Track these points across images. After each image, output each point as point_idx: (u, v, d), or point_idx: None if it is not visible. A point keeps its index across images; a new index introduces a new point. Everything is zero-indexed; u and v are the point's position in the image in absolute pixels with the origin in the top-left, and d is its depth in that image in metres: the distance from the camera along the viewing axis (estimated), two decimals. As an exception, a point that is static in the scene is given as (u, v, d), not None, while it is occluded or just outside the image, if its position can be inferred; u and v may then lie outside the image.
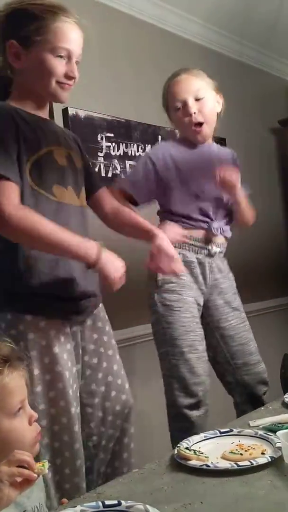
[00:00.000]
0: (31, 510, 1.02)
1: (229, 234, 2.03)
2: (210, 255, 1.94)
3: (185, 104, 1.91)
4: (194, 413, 1.85)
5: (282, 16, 3.24)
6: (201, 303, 1.95)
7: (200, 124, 1.92)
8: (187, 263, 1.89)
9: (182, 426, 1.83)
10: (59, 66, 1.47)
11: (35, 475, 0.93)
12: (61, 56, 1.47)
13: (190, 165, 1.93)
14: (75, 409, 1.47)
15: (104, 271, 1.44)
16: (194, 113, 1.90)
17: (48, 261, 1.45)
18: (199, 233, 1.93)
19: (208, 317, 1.97)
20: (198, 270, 1.93)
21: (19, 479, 0.92)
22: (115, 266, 1.45)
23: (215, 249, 1.95)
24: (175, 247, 1.83)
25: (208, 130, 1.96)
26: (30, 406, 1.06)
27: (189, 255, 1.91)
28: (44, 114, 1.57)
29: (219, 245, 1.97)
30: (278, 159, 3.79)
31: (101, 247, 1.44)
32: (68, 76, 1.49)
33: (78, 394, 1.52)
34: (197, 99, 1.91)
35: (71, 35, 1.48)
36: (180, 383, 1.85)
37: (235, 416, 1.97)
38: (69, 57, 1.48)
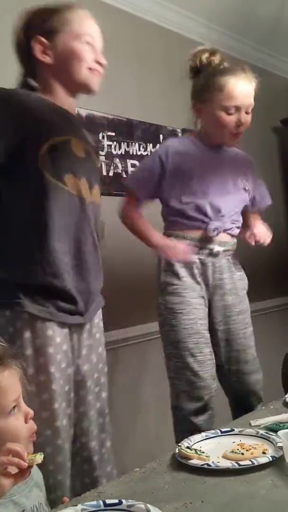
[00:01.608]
0: (30, 510, 1.02)
1: (235, 232, 1.99)
2: (212, 254, 1.91)
3: (238, 110, 1.85)
4: (199, 418, 1.83)
5: (284, 15, 3.24)
6: (205, 304, 1.92)
7: (239, 134, 1.92)
8: (188, 264, 1.88)
9: (187, 429, 1.79)
10: (88, 52, 1.50)
11: (25, 464, 0.93)
12: (87, 43, 1.50)
13: (205, 164, 1.91)
14: (59, 405, 1.40)
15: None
16: (243, 124, 1.88)
17: (51, 261, 1.42)
18: (197, 233, 1.90)
19: (210, 318, 1.95)
20: (198, 271, 1.89)
21: (13, 471, 0.92)
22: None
23: (217, 248, 1.91)
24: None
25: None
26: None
27: (193, 256, 1.88)
28: (70, 109, 1.58)
29: (223, 244, 1.93)
30: (280, 158, 3.78)
31: None
32: (98, 62, 1.52)
33: (71, 396, 1.48)
34: (247, 112, 1.89)
35: (91, 23, 1.53)
36: (185, 387, 1.84)
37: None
38: (93, 45, 1.52)
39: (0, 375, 1.00)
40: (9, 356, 1.04)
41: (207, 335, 1.89)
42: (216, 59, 1.89)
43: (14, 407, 1.01)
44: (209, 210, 1.89)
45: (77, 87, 1.55)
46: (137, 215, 1.94)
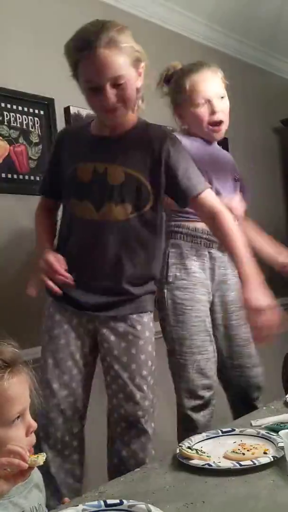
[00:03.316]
0: (29, 511, 1.01)
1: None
2: (221, 248, 1.89)
3: (209, 101, 1.89)
4: (199, 415, 1.82)
5: (285, 15, 3.24)
6: (210, 300, 1.91)
7: (220, 123, 1.93)
8: (200, 257, 1.87)
9: (187, 427, 1.80)
10: (93, 98, 1.55)
11: (25, 464, 0.91)
12: (93, 89, 1.53)
13: (205, 161, 1.89)
14: (50, 377, 1.60)
15: None
16: (218, 112, 1.90)
17: (71, 250, 1.63)
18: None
19: (212, 313, 1.93)
20: (208, 265, 1.89)
21: (12, 471, 0.90)
22: None
23: None
24: (185, 240, 1.86)
25: (224, 129, 1.96)
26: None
27: (202, 249, 1.87)
28: (110, 131, 1.64)
29: None
30: (280, 159, 3.78)
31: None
32: (106, 106, 1.54)
33: (77, 384, 1.62)
34: (222, 97, 1.92)
35: (96, 66, 1.49)
36: (187, 384, 1.83)
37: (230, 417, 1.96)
38: (98, 87, 1.52)
39: (7, 382, 0.95)
40: (19, 363, 0.99)
41: (211, 332, 1.89)
42: (182, 65, 1.97)
43: (18, 417, 0.96)
44: (224, 197, 1.90)
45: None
46: None
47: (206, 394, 1.83)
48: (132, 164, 1.60)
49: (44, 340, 1.65)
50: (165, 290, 1.86)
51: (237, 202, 1.94)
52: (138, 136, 1.64)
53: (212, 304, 1.93)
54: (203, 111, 1.90)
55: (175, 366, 1.86)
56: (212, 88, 1.91)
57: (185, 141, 1.83)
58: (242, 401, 1.95)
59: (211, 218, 1.65)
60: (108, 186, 1.60)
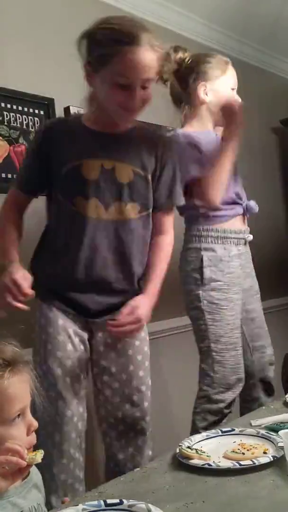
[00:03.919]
0: (28, 511, 1.01)
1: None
2: (245, 243, 1.99)
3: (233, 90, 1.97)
4: (230, 409, 1.89)
5: (284, 15, 3.24)
6: (241, 296, 1.96)
7: None
8: (232, 258, 1.92)
9: (214, 420, 1.85)
10: (120, 95, 1.48)
11: (24, 462, 0.91)
12: (122, 86, 1.47)
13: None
14: (61, 386, 1.54)
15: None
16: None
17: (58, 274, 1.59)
18: (239, 221, 1.95)
19: None
20: (238, 262, 1.94)
21: (11, 469, 0.90)
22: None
23: (249, 237, 1.99)
24: (217, 243, 1.90)
25: None
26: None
27: (233, 248, 1.93)
28: (114, 128, 1.59)
29: (248, 230, 2.01)
30: (280, 159, 3.78)
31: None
32: (133, 106, 1.51)
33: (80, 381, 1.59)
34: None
35: (135, 62, 1.45)
36: (224, 379, 1.88)
37: (238, 413, 1.97)
38: (130, 86, 1.47)
39: (8, 381, 0.94)
40: (21, 362, 0.98)
41: (241, 330, 1.96)
42: (182, 54, 1.95)
43: (18, 415, 0.96)
44: (241, 191, 1.97)
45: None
46: None
47: (240, 387, 1.90)
48: (140, 163, 1.60)
49: (47, 348, 1.57)
50: (200, 291, 1.90)
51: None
52: (141, 135, 1.64)
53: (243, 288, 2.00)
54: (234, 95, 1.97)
55: (210, 362, 1.89)
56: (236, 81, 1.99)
57: (202, 136, 1.88)
58: (262, 382, 2.03)
59: (157, 235, 1.68)
60: (118, 184, 1.58)
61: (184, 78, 1.94)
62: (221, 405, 1.87)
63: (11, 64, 2.16)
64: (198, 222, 1.93)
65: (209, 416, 1.88)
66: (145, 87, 1.49)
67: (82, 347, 1.60)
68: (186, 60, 1.93)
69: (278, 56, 3.68)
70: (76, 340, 1.59)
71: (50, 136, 1.62)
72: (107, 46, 1.45)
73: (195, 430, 1.83)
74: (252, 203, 2.00)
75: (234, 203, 1.95)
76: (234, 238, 1.93)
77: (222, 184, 1.82)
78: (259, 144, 3.50)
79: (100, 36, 1.47)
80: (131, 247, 1.59)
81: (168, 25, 2.92)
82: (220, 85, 1.94)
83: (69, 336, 1.58)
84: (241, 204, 1.97)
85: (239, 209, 1.96)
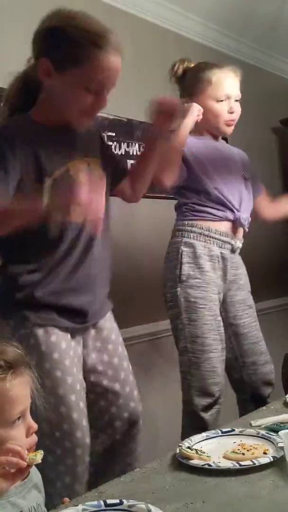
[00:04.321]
0: (27, 511, 1.01)
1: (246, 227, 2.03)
2: (233, 250, 1.95)
3: (228, 99, 1.95)
4: (208, 413, 1.85)
5: (284, 14, 3.23)
6: (221, 299, 1.94)
7: (232, 122, 1.99)
8: (212, 258, 1.89)
9: (195, 424, 1.82)
10: (86, 99, 1.41)
11: (24, 463, 0.91)
12: (89, 90, 1.40)
13: (216, 157, 1.96)
14: (78, 415, 1.44)
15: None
16: (234, 112, 1.97)
17: (54, 274, 1.46)
18: (226, 226, 1.93)
19: (224, 312, 1.96)
20: (220, 265, 1.92)
21: (12, 470, 0.91)
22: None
23: (238, 244, 1.96)
24: (198, 240, 1.87)
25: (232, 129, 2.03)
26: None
27: (214, 249, 1.90)
28: (66, 124, 1.49)
29: (241, 240, 1.98)
30: (279, 159, 3.78)
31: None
32: (95, 110, 1.47)
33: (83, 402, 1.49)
34: (236, 100, 1.98)
35: (109, 67, 1.39)
36: (199, 382, 1.85)
37: (237, 413, 1.97)
38: (99, 91, 1.42)
39: (10, 383, 0.95)
40: (22, 364, 0.99)
41: (223, 332, 1.91)
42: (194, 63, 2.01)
43: (18, 417, 0.96)
44: (236, 201, 1.95)
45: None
46: None
47: (217, 392, 1.86)
48: (98, 156, 1.58)
49: (55, 375, 1.44)
50: (178, 289, 1.87)
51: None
52: (88, 130, 1.58)
53: (223, 303, 1.96)
54: (223, 107, 1.95)
55: (187, 364, 1.88)
56: (234, 87, 1.97)
57: (193, 140, 1.90)
58: (254, 399, 1.98)
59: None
60: (100, 176, 1.55)
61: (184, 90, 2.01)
62: (199, 410, 1.84)
63: (11, 64, 2.16)
64: (184, 216, 1.93)
65: (189, 421, 1.87)
66: (108, 92, 1.44)
67: (79, 366, 1.53)
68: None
69: (277, 55, 3.68)
70: (75, 360, 1.51)
71: (27, 138, 1.44)
72: (81, 47, 1.35)
73: (183, 437, 1.82)
74: (245, 217, 1.96)
75: (224, 205, 1.92)
76: (217, 239, 1.90)
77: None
78: (259, 144, 3.49)
79: (73, 34, 1.36)
80: (106, 247, 1.58)
81: (166, 24, 2.92)
82: (210, 101, 1.95)
83: (72, 358, 1.49)
84: (233, 211, 1.94)
85: (229, 214, 1.93)
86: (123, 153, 2.61)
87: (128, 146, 2.63)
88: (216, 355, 1.86)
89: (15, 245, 1.46)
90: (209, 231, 1.89)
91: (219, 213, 1.91)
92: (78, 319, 1.52)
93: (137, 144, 2.68)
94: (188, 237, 1.89)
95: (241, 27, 3.24)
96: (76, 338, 1.53)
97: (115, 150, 2.57)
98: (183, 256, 1.88)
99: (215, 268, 1.90)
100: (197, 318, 1.85)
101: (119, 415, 1.59)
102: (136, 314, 2.51)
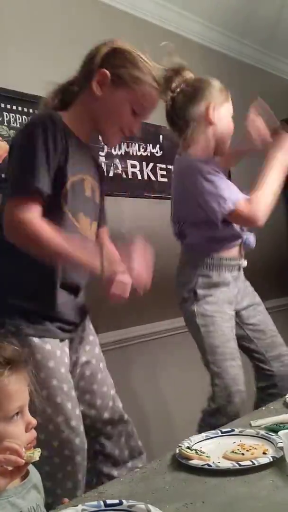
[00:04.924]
0: (27, 511, 1.01)
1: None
2: (239, 269, 2.00)
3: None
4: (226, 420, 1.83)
5: (284, 16, 3.24)
6: (234, 314, 1.98)
7: None
8: (225, 284, 1.92)
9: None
10: (129, 118, 1.56)
11: (22, 461, 0.92)
12: (133, 111, 1.56)
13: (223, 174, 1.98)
14: (76, 422, 1.47)
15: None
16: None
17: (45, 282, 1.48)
18: (234, 251, 1.96)
19: (237, 317, 2.00)
20: (232, 286, 1.95)
21: (10, 468, 0.91)
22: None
23: (244, 263, 2.01)
24: (213, 270, 1.90)
25: None
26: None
27: (227, 275, 1.93)
28: (86, 140, 1.61)
29: (245, 259, 2.02)
30: (279, 159, 3.78)
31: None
32: (130, 131, 1.59)
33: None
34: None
35: (154, 101, 1.59)
36: (223, 391, 1.86)
37: (251, 408, 1.96)
38: (140, 115, 1.58)
39: (7, 378, 0.96)
40: (20, 361, 1.00)
41: (237, 346, 1.94)
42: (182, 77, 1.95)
43: (17, 413, 0.97)
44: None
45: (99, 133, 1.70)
46: None
47: (241, 399, 1.86)
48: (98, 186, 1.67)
49: (52, 384, 1.45)
50: (195, 306, 1.91)
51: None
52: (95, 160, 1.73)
53: (237, 310, 2.00)
54: (226, 136, 2.00)
55: (211, 374, 1.89)
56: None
57: (203, 165, 1.87)
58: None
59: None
60: (95, 204, 1.63)
61: (190, 97, 1.92)
62: (224, 420, 1.81)
63: (11, 65, 2.17)
64: (202, 248, 1.93)
65: (212, 423, 1.84)
66: (143, 120, 1.61)
67: (69, 374, 1.54)
68: (190, 81, 1.94)
69: (278, 56, 3.68)
70: (68, 366, 1.53)
71: (65, 137, 1.48)
72: (144, 75, 1.54)
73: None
74: (251, 239, 1.99)
75: (234, 235, 1.95)
76: (227, 264, 1.93)
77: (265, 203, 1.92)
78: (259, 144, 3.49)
79: (141, 62, 1.55)
80: None
81: (168, 25, 2.93)
82: (224, 111, 1.96)
83: (66, 366, 1.51)
84: (241, 236, 1.97)
85: (238, 241, 1.97)
86: (123, 153, 2.61)
87: (128, 147, 2.64)
88: (238, 363, 1.88)
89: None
90: (220, 260, 1.92)
91: (230, 245, 1.95)
92: (68, 328, 1.56)
93: (137, 145, 2.68)
94: (202, 269, 1.91)
95: (242, 29, 3.25)
96: (65, 342, 1.55)
97: (115, 151, 2.58)
98: (197, 286, 1.90)
99: (229, 291, 1.94)
100: (214, 329, 1.88)
101: (111, 418, 1.63)
102: (134, 314, 2.51)
